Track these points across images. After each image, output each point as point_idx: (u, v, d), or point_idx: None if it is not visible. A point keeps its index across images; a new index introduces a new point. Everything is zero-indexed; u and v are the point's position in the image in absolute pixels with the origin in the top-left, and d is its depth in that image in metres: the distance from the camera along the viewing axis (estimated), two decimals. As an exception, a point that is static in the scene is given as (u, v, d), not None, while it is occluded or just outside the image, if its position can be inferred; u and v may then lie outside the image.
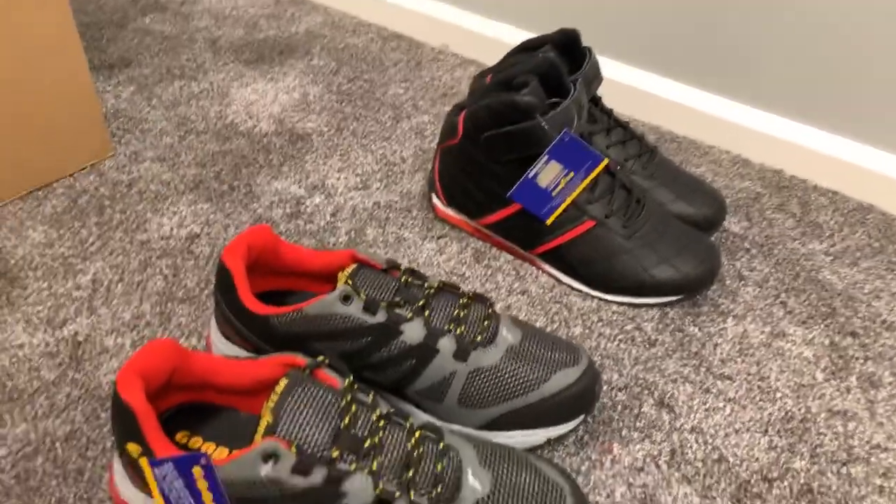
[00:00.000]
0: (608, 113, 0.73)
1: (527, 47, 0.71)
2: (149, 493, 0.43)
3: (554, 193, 0.63)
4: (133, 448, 0.40)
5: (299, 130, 0.86)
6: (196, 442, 0.46)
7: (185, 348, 0.44)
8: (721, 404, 0.57)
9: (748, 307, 0.66)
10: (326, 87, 0.95)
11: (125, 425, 0.40)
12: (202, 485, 0.38)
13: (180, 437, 0.47)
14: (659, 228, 0.65)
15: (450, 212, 0.72)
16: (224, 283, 0.49)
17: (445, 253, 0.70)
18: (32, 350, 0.56)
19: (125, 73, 0.93)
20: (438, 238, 0.72)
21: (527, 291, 0.66)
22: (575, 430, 0.54)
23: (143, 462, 0.39)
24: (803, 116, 0.84)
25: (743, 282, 0.69)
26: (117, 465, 0.44)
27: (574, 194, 0.63)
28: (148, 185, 0.75)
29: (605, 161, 0.62)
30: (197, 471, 0.38)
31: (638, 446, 0.53)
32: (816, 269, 0.71)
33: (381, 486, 0.39)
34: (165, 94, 0.90)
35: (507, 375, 0.49)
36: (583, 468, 0.51)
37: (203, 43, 1.03)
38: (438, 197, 0.72)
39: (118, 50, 0.98)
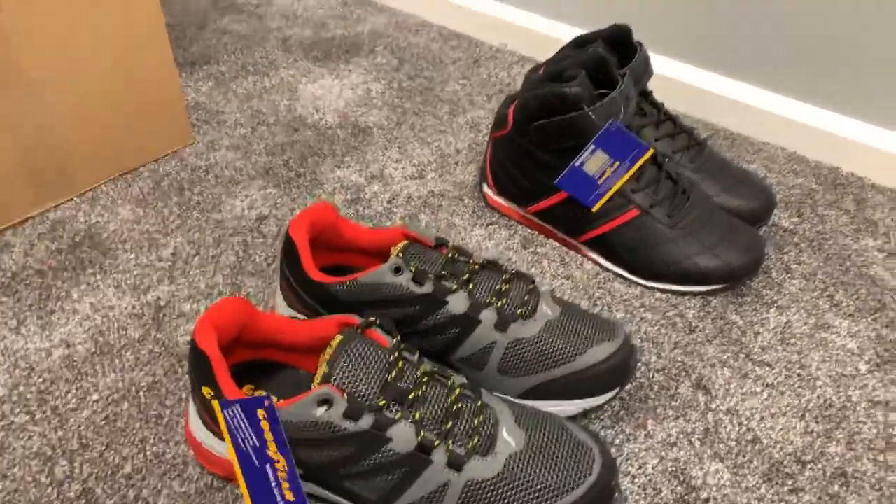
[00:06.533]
0: (658, 106, 0.75)
1: (579, 43, 0.74)
2: (219, 434, 0.48)
3: (600, 182, 0.66)
4: (206, 391, 0.46)
5: (362, 124, 0.91)
6: (260, 394, 0.51)
7: (253, 307, 0.49)
8: (759, 389, 0.58)
9: (793, 299, 0.67)
10: (388, 83, 1.00)
11: (200, 370, 0.45)
12: (265, 425, 0.43)
13: (246, 389, 0.52)
14: (703, 218, 0.67)
15: (499, 200, 0.75)
16: (289, 252, 0.55)
17: (494, 238, 0.73)
18: (121, 311, 0.63)
19: (205, 70, 1.01)
20: (488, 225, 0.75)
21: (571, 276, 0.69)
22: (611, 404, 0.56)
23: (215, 404, 0.44)
24: (861, 113, 0.83)
25: (789, 274, 0.70)
26: (192, 411, 0.50)
27: (619, 183, 0.66)
28: (223, 170, 0.81)
29: (651, 150, 0.64)
30: (261, 413, 0.43)
31: (672, 423, 0.55)
32: (868, 265, 0.71)
33: (422, 434, 0.42)
34: (240, 89, 0.97)
35: (544, 347, 0.52)
36: (617, 441, 0.54)
37: (275, 41, 1.10)
38: (489, 185, 0.76)
39: (199, 48, 1.06)
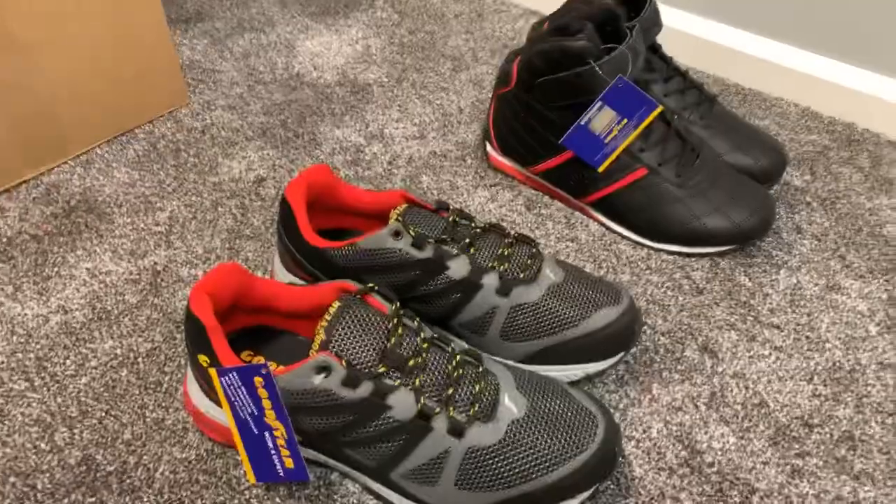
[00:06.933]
0: (667, 61, 0.72)
1: (586, -6, 0.71)
2: (217, 401, 0.47)
3: (606, 140, 0.64)
4: (203, 359, 0.45)
5: (361, 81, 0.88)
6: (258, 360, 0.51)
7: (249, 272, 0.48)
8: (766, 352, 0.57)
9: (804, 259, 0.65)
10: (388, 39, 0.97)
11: (196, 338, 0.44)
12: (262, 393, 0.42)
13: (245, 355, 0.51)
14: (713, 178, 0.65)
15: (503, 160, 0.73)
16: (286, 217, 0.53)
17: (497, 200, 0.72)
18: (118, 277, 0.62)
19: (199, 27, 0.98)
20: (491, 186, 0.74)
21: (576, 239, 0.67)
22: (615, 368, 0.55)
23: (212, 372, 0.43)
24: (878, 66, 0.80)
25: (800, 234, 0.68)
26: (190, 377, 0.49)
27: (627, 141, 0.64)
28: (219, 131, 0.79)
29: (660, 108, 0.62)
30: (258, 380, 0.42)
31: (677, 387, 0.54)
32: (881, 224, 0.69)
33: (422, 401, 0.42)
34: (236, 47, 0.94)
35: (547, 312, 0.51)
36: (621, 405, 0.53)
37: (272, -3, 1.06)
38: (492, 145, 0.74)
39: (193, 4, 1.03)
